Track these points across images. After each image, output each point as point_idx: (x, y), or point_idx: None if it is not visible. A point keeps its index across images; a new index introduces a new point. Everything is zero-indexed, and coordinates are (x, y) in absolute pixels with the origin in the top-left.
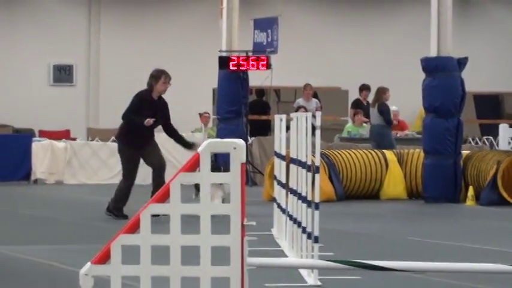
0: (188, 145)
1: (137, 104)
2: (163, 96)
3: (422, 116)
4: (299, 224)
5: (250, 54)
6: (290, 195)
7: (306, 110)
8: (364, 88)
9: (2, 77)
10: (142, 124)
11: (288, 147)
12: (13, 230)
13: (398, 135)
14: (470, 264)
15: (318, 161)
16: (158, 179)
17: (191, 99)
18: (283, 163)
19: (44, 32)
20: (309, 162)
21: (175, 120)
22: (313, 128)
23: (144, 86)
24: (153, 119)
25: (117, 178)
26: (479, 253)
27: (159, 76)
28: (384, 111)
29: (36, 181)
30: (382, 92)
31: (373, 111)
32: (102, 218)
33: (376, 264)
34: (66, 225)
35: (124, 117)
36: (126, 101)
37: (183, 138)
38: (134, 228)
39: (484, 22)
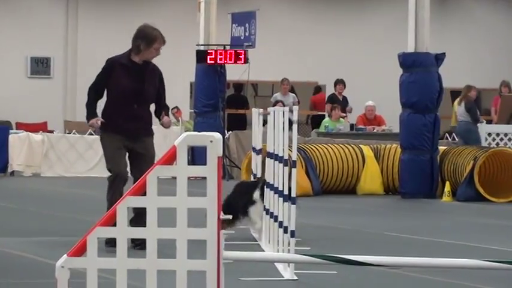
0: (159, 118)
1: (108, 72)
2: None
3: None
4: (275, 219)
5: (227, 48)
6: (266, 190)
7: (284, 105)
8: (339, 82)
9: None
10: (87, 115)
11: (264, 141)
12: None
13: (375, 130)
14: (446, 259)
15: (294, 156)
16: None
17: (169, 93)
18: (260, 157)
19: (21, 25)
20: (286, 157)
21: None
22: (290, 123)
23: None
24: (100, 120)
25: (94, 171)
26: (455, 248)
27: (152, 40)
28: (472, 108)
29: (12, 173)
30: (467, 90)
31: (460, 109)
32: (79, 210)
33: (352, 258)
34: (43, 218)
35: (88, 90)
36: None
37: (162, 110)
38: (110, 221)
39: (462, 19)
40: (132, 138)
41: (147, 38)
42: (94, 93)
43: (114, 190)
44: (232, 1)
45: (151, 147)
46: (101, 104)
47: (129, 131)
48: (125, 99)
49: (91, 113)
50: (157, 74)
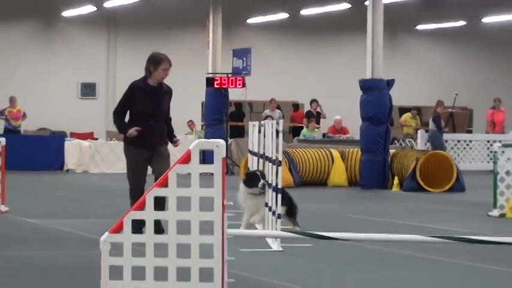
0: (173, 140)
1: (129, 95)
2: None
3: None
4: (266, 204)
5: (230, 75)
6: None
7: (272, 119)
8: (313, 101)
9: (42, 92)
10: (121, 131)
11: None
12: (51, 208)
13: (341, 137)
14: (395, 235)
15: (280, 157)
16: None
17: (185, 110)
18: (255, 158)
19: (73, 58)
20: (274, 158)
21: (175, 124)
22: (277, 132)
23: None
24: (136, 128)
25: None
26: (402, 227)
27: (159, 61)
28: (436, 120)
29: (68, 171)
30: (437, 105)
31: (430, 120)
32: (117, 198)
33: (324, 234)
34: (90, 204)
35: (113, 114)
36: None
37: (172, 133)
38: (141, 206)
39: (407, 53)
40: (151, 149)
41: (155, 61)
42: (117, 116)
43: (133, 197)
44: (233, 40)
45: (165, 151)
46: None
47: (148, 144)
48: (143, 117)
49: (124, 126)
50: (169, 94)
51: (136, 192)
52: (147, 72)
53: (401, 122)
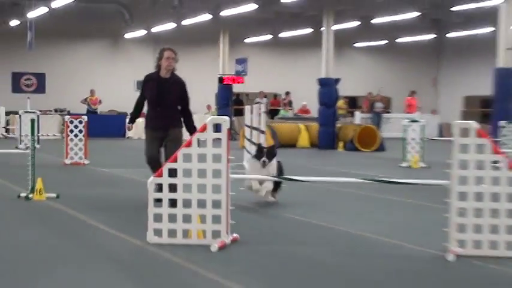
0: (191, 131)
1: (142, 86)
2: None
3: (341, 106)
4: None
5: (233, 75)
6: (251, 145)
7: (261, 104)
8: (287, 93)
9: (111, 86)
10: (129, 121)
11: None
12: (116, 161)
13: (306, 116)
14: (340, 178)
15: (264, 128)
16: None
17: (204, 98)
18: (249, 129)
19: (131, 64)
20: (261, 128)
21: (198, 107)
22: (264, 112)
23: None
24: (131, 124)
25: None
26: (344, 173)
27: (162, 52)
28: (373, 106)
29: (128, 138)
30: (375, 95)
31: (376, 104)
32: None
33: (295, 178)
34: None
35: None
36: None
37: (191, 124)
38: (175, 159)
39: (349, 61)
40: (162, 130)
41: (160, 53)
42: (136, 104)
43: (151, 168)
44: (236, 53)
45: (177, 134)
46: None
47: (157, 126)
48: (152, 103)
49: (131, 116)
50: (178, 84)
51: (150, 161)
52: (157, 65)
53: (337, 106)
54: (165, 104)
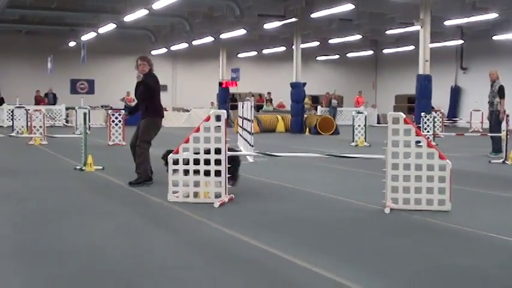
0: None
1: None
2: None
3: (307, 102)
4: (246, 140)
5: (229, 81)
6: (243, 131)
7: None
8: (269, 93)
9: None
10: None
11: (243, 114)
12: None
13: (282, 110)
14: (307, 154)
15: (252, 118)
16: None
17: (208, 97)
18: (241, 119)
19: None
20: (249, 118)
21: (204, 104)
22: (252, 107)
23: (195, 97)
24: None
25: (185, 123)
26: (310, 150)
27: (136, 62)
28: (331, 101)
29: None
30: (331, 94)
31: (333, 101)
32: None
33: (274, 154)
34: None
35: None
36: (189, 105)
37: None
38: (187, 141)
39: (312, 70)
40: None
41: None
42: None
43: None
44: (231, 64)
45: (143, 124)
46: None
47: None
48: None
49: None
50: (143, 83)
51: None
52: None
53: (304, 102)
54: (138, 100)
